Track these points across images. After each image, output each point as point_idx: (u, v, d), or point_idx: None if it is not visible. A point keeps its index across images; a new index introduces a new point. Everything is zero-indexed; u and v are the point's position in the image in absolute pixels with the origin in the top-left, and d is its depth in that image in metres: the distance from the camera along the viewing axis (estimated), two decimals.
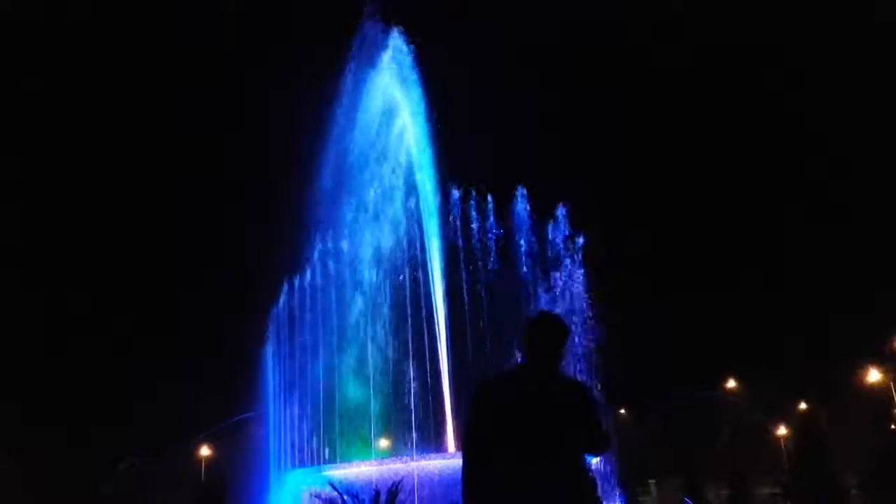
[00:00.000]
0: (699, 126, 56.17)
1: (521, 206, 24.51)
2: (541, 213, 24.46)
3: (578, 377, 18.69)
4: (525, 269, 23.97)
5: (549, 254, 23.86)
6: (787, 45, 51.77)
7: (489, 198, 24.50)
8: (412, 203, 24.95)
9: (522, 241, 24.16)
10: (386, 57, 26.22)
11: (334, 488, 14.93)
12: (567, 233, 23.86)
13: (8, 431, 36.70)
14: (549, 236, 24.05)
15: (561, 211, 24.22)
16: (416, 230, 24.68)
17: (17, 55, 49.44)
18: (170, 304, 48.68)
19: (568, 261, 23.55)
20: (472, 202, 24.55)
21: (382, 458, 22.14)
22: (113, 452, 41.72)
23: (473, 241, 24.43)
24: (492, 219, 24.21)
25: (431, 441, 23.03)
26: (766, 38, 53.38)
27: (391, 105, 26.21)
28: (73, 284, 49.47)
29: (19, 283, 43.97)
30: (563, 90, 53.12)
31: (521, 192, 24.47)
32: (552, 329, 4.92)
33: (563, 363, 5.02)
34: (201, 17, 53.23)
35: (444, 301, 23.94)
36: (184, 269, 50.10)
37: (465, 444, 4.71)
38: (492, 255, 24.13)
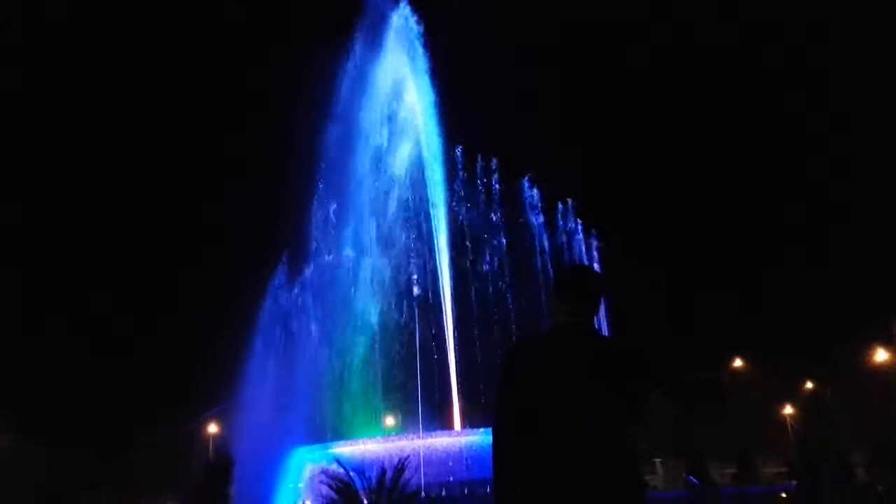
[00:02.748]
0: (705, 112, 55.83)
1: (528, 192, 24.49)
2: (545, 197, 24.51)
3: None
4: (530, 245, 24.02)
5: (553, 235, 23.91)
6: (790, 45, 51.42)
7: (495, 177, 24.47)
8: (419, 178, 24.90)
9: (527, 221, 24.15)
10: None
11: (341, 465, 14.97)
12: (571, 219, 23.90)
13: (10, 409, 36.92)
14: (556, 223, 24.10)
15: (564, 198, 24.28)
16: (423, 208, 24.65)
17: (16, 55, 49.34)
18: (172, 277, 48.80)
19: (570, 236, 23.62)
20: (480, 177, 24.54)
21: (389, 436, 22.26)
22: (117, 428, 41.96)
23: (478, 217, 24.44)
24: (498, 186, 24.21)
25: (438, 419, 23.13)
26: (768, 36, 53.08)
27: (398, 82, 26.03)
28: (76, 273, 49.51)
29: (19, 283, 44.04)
30: (564, 84, 52.72)
31: (526, 182, 24.47)
32: (587, 280, 4.42)
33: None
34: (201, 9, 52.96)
35: (451, 280, 23.94)
36: (184, 245, 50.07)
37: (495, 418, 4.16)
38: (497, 233, 24.13)
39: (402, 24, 25.89)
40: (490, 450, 4.20)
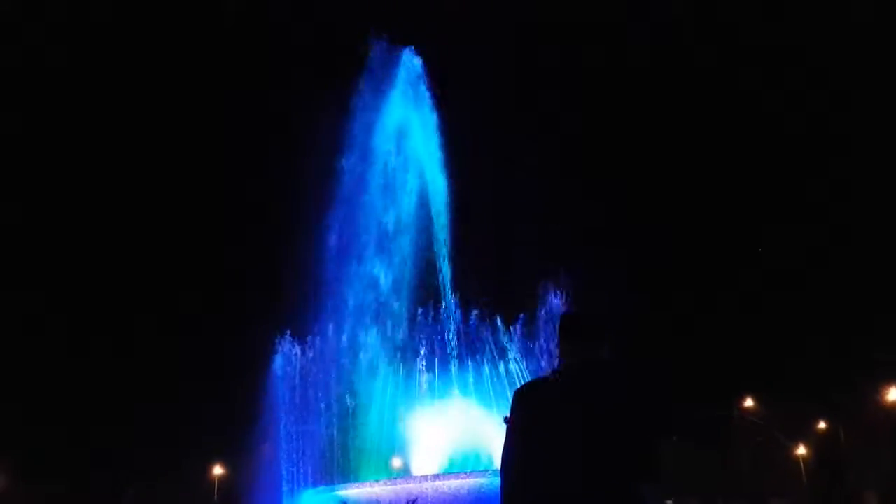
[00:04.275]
0: (708, 136, 56.06)
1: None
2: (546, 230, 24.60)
3: None
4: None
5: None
6: (791, 51, 51.74)
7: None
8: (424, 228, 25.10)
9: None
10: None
11: None
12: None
13: (8, 431, 36.59)
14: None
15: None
16: (430, 252, 24.79)
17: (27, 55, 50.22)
18: (173, 309, 48.71)
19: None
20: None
21: (396, 478, 22.05)
22: (118, 470, 41.54)
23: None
24: None
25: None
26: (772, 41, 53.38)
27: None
28: (74, 285, 49.49)
29: (19, 283, 44.07)
30: (562, 100, 52.94)
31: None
32: (588, 320, 4.41)
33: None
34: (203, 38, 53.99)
35: (457, 321, 23.95)
36: (186, 278, 50.09)
37: (504, 458, 4.22)
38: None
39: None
40: (498, 491, 4.22)
